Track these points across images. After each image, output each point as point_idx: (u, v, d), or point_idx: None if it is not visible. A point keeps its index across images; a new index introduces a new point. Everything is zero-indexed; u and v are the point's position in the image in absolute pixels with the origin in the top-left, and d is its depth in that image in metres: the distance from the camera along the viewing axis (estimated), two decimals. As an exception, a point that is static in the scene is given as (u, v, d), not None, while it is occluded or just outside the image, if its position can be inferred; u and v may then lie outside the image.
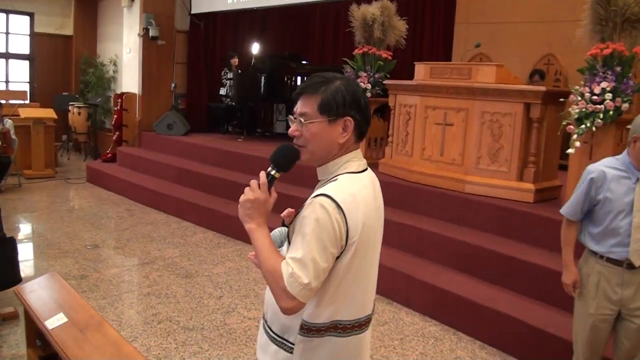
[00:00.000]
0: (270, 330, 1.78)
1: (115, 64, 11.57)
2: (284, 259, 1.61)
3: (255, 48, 9.65)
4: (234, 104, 9.38)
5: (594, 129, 4.40)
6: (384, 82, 6.45)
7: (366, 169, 1.75)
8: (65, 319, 2.57)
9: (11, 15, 11.91)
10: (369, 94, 6.39)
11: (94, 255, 5.76)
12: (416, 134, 5.88)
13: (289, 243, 1.69)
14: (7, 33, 11.97)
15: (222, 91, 9.42)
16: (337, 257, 1.63)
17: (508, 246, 4.76)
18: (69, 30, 12.45)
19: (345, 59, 6.77)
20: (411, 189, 5.77)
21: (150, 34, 9.32)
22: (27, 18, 12.10)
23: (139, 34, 9.48)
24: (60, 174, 9.83)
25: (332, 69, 9.13)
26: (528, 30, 8.34)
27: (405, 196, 5.78)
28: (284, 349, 1.73)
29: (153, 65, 9.63)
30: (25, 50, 12.23)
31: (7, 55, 12.04)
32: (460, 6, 8.87)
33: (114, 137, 9.86)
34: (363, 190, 1.67)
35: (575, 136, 4.50)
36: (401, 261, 5.06)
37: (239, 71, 9.43)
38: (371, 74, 6.50)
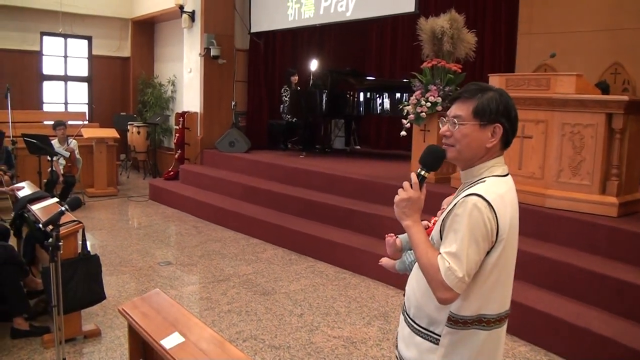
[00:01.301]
0: (415, 323, 1.95)
1: (173, 84, 11.81)
2: (440, 253, 1.76)
3: (314, 65, 9.71)
4: (294, 120, 9.42)
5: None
6: (454, 95, 6.37)
7: (508, 174, 1.90)
8: (182, 339, 2.56)
9: (70, 40, 12.29)
10: (439, 107, 6.33)
11: (168, 272, 5.82)
12: (491, 147, 5.77)
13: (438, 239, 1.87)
14: (65, 56, 12.36)
15: (283, 108, 9.48)
16: (487, 253, 1.78)
17: (595, 262, 4.60)
18: (126, 52, 12.79)
19: (414, 72, 6.72)
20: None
21: (212, 53, 9.49)
22: (85, 42, 12.47)
23: (200, 54, 9.66)
24: (122, 192, 10.04)
25: (397, 84, 9.10)
26: (593, 39, 8.16)
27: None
28: (430, 340, 1.90)
29: (214, 84, 9.79)
30: (84, 72, 12.60)
31: (66, 78, 12.42)
32: (522, 17, 8.76)
33: (177, 155, 10.03)
34: (509, 192, 1.85)
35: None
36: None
37: (298, 88, 9.47)
38: (441, 87, 6.43)
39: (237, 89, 10.11)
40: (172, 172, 9.91)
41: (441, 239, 1.82)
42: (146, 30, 12.74)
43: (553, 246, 5.00)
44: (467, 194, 1.78)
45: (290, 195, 7.39)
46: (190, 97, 10.14)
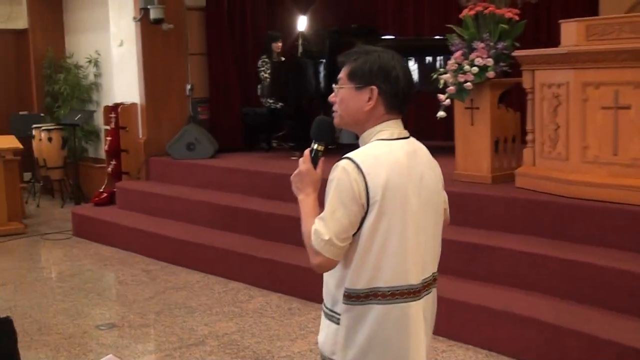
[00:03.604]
0: (325, 307, 2.72)
1: (97, 65, 11.90)
2: None
3: (303, 23, 9.80)
4: (279, 106, 9.56)
5: None
6: (511, 53, 6.52)
7: (404, 138, 2.67)
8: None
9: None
10: (491, 74, 6.46)
11: (114, 338, 5.93)
12: (572, 126, 5.92)
13: None
14: None
15: (262, 90, 9.57)
16: (363, 219, 2.53)
17: None
18: (21, 22, 12.87)
19: (450, 25, 6.86)
20: (571, 209, 5.81)
21: (152, 16, 9.55)
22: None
23: (134, 18, 9.79)
24: (32, 228, 10.10)
25: (427, 43, 9.22)
26: None
27: (563, 219, 5.82)
28: (333, 321, 2.64)
29: (158, 61, 9.89)
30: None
31: None
32: None
33: (109, 169, 10.15)
34: (390, 154, 2.58)
35: None
36: (575, 316, 5.10)
37: (283, 59, 9.60)
38: (491, 43, 6.57)
39: (192, 65, 10.21)
40: (104, 194, 10.01)
41: None
42: (50, -11, 12.84)
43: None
44: (341, 158, 2.56)
45: (283, 215, 7.46)
46: (124, 82, 10.26)
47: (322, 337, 2.73)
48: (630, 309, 5.00)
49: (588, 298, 5.24)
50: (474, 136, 6.81)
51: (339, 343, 2.62)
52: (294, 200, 7.85)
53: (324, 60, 9.18)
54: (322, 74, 9.17)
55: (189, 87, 9.95)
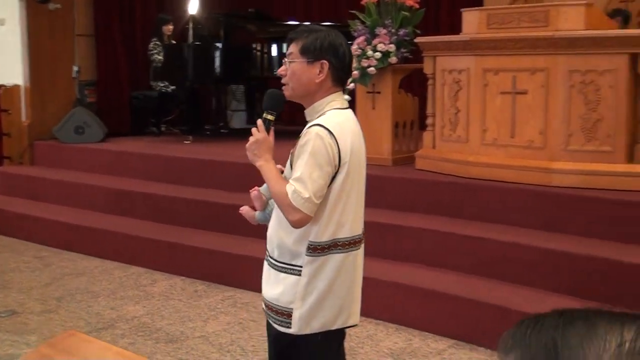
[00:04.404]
0: (279, 262, 3.00)
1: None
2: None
3: (194, 5, 9.78)
4: (170, 90, 9.54)
5: None
6: (412, 40, 6.78)
7: (348, 108, 3.06)
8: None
9: None
10: (394, 59, 6.70)
11: (17, 325, 5.79)
12: (472, 110, 6.23)
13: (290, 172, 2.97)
14: None
15: (153, 73, 9.54)
16: (333, 178, 2.88)
17: (633, 254, 5.07)
18: None
19: (353, 11, 7.05)
20: (472, 189, 6.12)
21: (38, -6, 9.40)
22: None
23: (18, -5, 9.55)
24: None
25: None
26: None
27: (465, 199, 6.11)
28: (293, 273, 2.95)
29: (44, 42, 9.69)
30: None
31: None
32: None
33: (-11, 154, 9.85)
34: (348, 121, 2.98)
35: None
36: (480, 289, 5.37)
37: (174, 42, 9.57)
38: (393, 29, 6.81)
39: (79, 47, 10.08)
40: (-17, 180, 9.72)
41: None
42: None
43: (569, 238, 5.47)
44: (309, 125, 2.91)
45: (179, 198, 7.56)
46: (5, 63, 9.90)
47: (277, 290, 3.00)
48: (528, 280, 5.32)
49: (489, 271, 5.53)
50: (375, 120, 7.03)
51: (299, 292, 2.94)
52: (191, 183, 7.99)
53: (219, 45, 9.22)
54: (216, 58, 9.19)
55: (75, 69, 9.79)
